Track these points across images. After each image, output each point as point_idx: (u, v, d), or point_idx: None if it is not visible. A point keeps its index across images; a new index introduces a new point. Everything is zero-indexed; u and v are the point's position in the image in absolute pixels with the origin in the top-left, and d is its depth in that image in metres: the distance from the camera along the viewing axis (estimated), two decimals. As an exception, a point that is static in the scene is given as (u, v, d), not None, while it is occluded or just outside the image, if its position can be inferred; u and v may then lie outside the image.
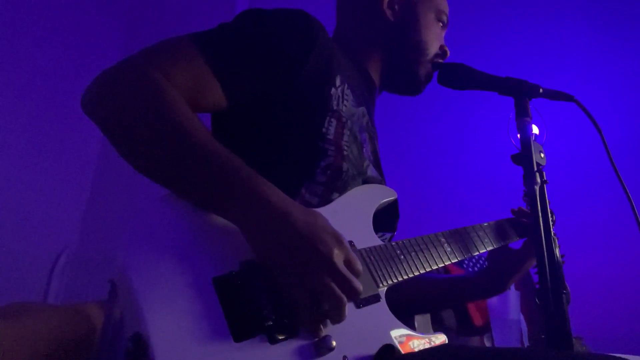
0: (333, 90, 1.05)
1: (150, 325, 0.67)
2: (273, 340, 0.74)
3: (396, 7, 1.25)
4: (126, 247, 0.73)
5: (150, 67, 0.86)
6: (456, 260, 1.16)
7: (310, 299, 0.77)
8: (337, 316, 0.78)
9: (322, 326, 0.79)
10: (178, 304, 0.71)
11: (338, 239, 0.79)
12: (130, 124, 0.82)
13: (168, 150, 0.80)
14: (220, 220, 0.81)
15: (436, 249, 1.11)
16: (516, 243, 1.36)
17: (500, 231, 1.32)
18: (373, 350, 0.84)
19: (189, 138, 0.80)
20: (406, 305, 1.26)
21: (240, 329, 0.73)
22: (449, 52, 1.30)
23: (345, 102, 1.08)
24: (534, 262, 1.27)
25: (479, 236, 1.25)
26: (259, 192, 0.79)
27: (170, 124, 0.81)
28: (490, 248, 1.27)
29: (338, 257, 0.77)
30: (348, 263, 0.79)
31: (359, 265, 0.81)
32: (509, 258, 1.31)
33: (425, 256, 1.08)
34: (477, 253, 1.23)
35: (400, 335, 0.91)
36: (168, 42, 0.93)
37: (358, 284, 0.78)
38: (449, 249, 1.15)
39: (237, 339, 0.72)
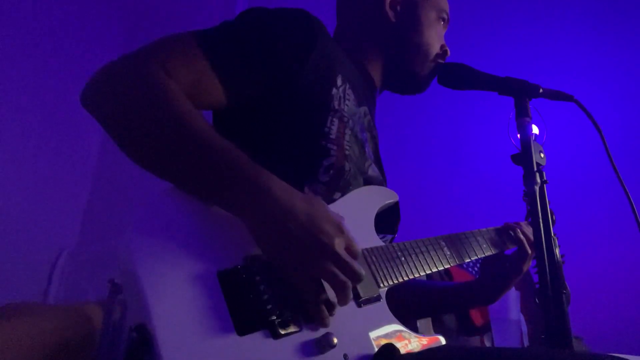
0: (334, 90, 1.05)
1: (156, 316, 0.67)
2: (276, 335, 0.75)
3: (398, 7, 1.25)
4: (132, 238, 0.73)
5: (150, 62, 0.86)
6: (455, 264, 1.18)
7: (314, 288, 0.79)
8: (343, 300, 0.81)
9: (328, 316, 0.81)
10: (183, 296, 0.71)
11: (339, 227, 0.82)
12: (131, 117, 0.82)
13: (169, 142, 0.80)
14: (225, 213, 0.81)
15: (436, 252, 1.13)
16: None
17: (498, 238, 1.35)
18: (373, 349, 0.85)
19: (189, 129, 0.81)
20: (401, 311, 1.28)
21: (244, 323, 0.73)
22: (449, 52, 1.30)
23: (347, 101, 1.08)
24: (522, 274, 1.33)
25: (477, 242, 1.28)
26: (260, 184, 0.79)
27: (171, 116, 0.81)
28: (488, 254, 1.30)
29: (339, 245, 0.80)
30: (349, 249, 0.82)
31: (358, 248, 0.84)
32: (499, 271, 1.34)
33: (425, 259, 1.09)
34: (475, 258, 1.25)
35: (400, 335, 0.92)
36: (169, 38, 0.93)
37: (359, 268, 0.81)
38: (448, 253, 1.17)
39: (241, 333, 0.72)
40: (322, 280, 0.81)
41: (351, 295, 0.82)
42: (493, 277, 1.35)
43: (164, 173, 0.82)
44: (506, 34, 3.12)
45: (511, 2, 3.17)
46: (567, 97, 1.16)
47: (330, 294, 0.82)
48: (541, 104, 1.15)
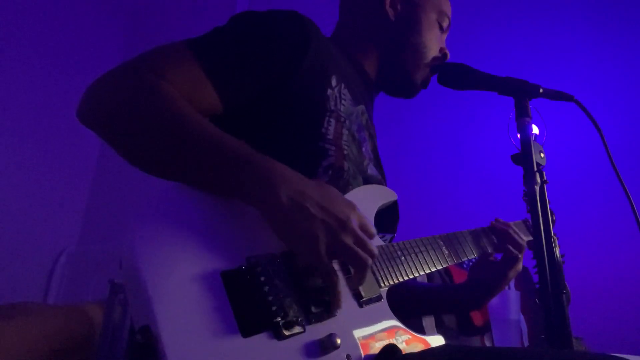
0: (329, 91, 1.05)
1: (160, 319, 0.67)
2: (280, 337, 0.74)
3: (398, 6, 1.25)
4: (135, 238, 0.72)
5: (146, 71, 0.86)
6: (453, 263, 1.18)
7: (332, 269, 0.80)
8: (361, 277, 0.85)
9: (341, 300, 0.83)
10: (187, 297, 0.71)
11: (352, 206, 0.84)
12: (133, 125, 0.82)
13: (175, 143, 0.80)
14: (229, 213, 0.81)
15: (435, 252, 1.14)
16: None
17: (492, 237, 1.34)
18: (376, 349, 0.85)
19: (193, 128, 0.81)
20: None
21: (248, 324, 0.73)
22: (449, 55, 1.29)
23: (343, 101, 1.08)
24: (512, 279, 1.30)
25: (475, 240, 1.28)
26: (271, 168, 0.80)
27: (173, 118, 0.81)
28: (487, 251, 1.30)
29: (355, 223, 0.82)
30: (363, 227, 0.84)
31: (373, 228, 0.86)
32: (486, 276, 1.31)
33: (424, 258, 1.10)
34: (472, 257, 1.25)
35: (401, 336, 0.92)
36: (162, 47, 0.93)
37: (374, 247, 0.84)
38: (446, 252, 1.17)
39: (245, 334, 0.72)
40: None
41: (367, 274, 0.85)
42: (479, 282, 1.32)
43: (172, 175, 0.82)
44: (506, 34, 3.12)
45: (511, 2, 3.17)
46: (567, 97, 1.15)
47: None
48: (541, 104, 1.15)
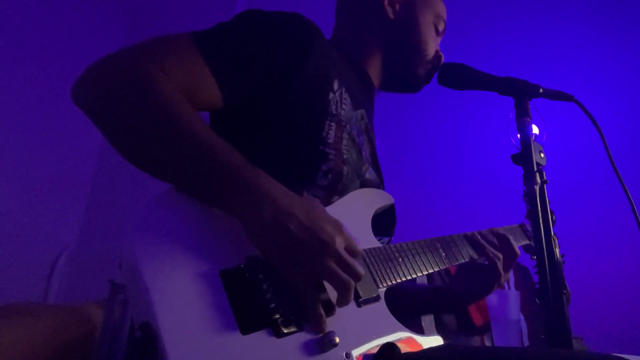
0: (331, 94, 1.05)
1: (160, 315, 0.68)
2: (279, 334, 0.75)
3: (397, 6, 1.27)
4: (135, 238, 0.72)
5: (147, 61, 0.85)
6: (450, 265, 1.18)
7: (314, 289, 0.79)
8: (344, 300, 0.81)
9: (325, 320, 0.80)
10: (187, 295, 0.71)
11: (339, 227, 0.82)
12: (121, 112, 0.80)
13: (167, 142, 0.79)
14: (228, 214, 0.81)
15: (432, 254, 1.14)
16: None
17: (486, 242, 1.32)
18: (374, 348, 0.85)
19: (188, 130, 0.80)
20: None
21: (247, 322, 0.73)
22: (443, 58, 1.31)
23: (343, 105, 1.08)
24: (495, 288, 1.28)
25: (472, 244, 1.27)
26: (259, 185, 0.79)
27: (163, 111, 0.80)
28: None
29: (340, 244, 0.80)
30: (349, 248, 0.82)
31: (359, 247, 0.84)
32: (471, 283, 1.29)
33: (422, 260, 1.10)
34: (469, 259, 1.24)
35: (399, 335, 0.92)
36: (165, 38, 0.92)
37: (359, 267, 0.81)
38: (443, 254, 1.17)
39: (244, 332, 0.72)
40: (323, 282, 0.81)
41: (352, 296, 0.81)
42: (463, 288, 1.30)
43: (158, 172, 0.81)
44: (506, 34, 3.12)
45: (511, 2, 3.17)
46: (567, 97, 1.15)
47: (330, 295, 0.82)
48: (541, 104, 1.15)
